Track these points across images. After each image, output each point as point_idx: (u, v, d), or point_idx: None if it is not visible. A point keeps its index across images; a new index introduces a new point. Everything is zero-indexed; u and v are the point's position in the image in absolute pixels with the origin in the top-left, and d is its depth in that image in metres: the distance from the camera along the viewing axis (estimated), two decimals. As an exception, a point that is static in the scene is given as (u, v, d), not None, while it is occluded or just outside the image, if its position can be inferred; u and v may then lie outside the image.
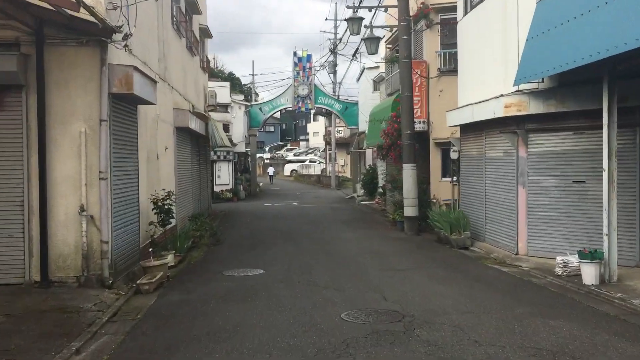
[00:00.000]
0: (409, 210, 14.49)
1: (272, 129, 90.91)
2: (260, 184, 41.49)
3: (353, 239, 13.96)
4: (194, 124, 15.60)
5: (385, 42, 19.89)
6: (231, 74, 53.47)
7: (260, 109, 33.10)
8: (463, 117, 12.56)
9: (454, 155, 14.93)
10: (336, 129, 42.28)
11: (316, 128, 71.18)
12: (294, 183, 48.65)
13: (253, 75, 54.09)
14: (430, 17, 15.06)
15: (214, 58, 61.02)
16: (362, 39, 16.63)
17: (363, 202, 25.84)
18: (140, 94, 8.71)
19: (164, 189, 10.90)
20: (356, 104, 32.99)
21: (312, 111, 36.73)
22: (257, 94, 53.98)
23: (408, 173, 14.48)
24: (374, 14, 16.77)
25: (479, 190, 12.44)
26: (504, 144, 11.03)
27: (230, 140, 29.82)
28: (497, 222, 11.58)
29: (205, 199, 20.26)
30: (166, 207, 10.28)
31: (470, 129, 12.78)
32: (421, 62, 15.28)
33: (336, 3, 48.07)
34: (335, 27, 41.00)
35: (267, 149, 70.15)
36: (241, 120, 31.83)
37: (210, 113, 22.21)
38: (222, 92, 30.09)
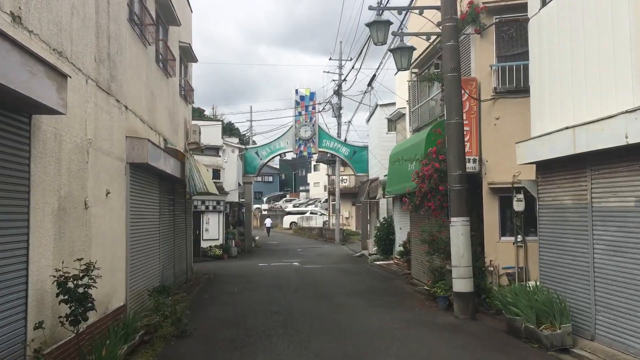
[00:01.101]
0: (461, 284, 10.18)
1: (270, 179, 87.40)
2: (257, 238, 37.19)
3: (383, 327, 9.55)
4: (163, 162, 11.50)
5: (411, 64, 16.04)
6: (230, 124, 49.90)
7: (256, 152, 29.14)
8: (549, 149, 8.46)
9: (518, 206, 10.78)
10: (340, 177, 38.38)
11: (317, 178, 67.59)
12: (293, 237, 44.24)
13: (251, 120, 50.74)
14: (481, 21, 11.20)
15: (213, 108, 58.07)
16: (388, 50, 12.72)
17: (377, 262, 21.50)
18: (18, 87, 4.63)
19: (84, 262, 6.63)
20: (366, 147, 29.08)
21: (315, 156, 32.72)
22: (254, 143, 50.27)
23: (458, 230, 10.26)
24: (405, 16, 12.98)
25: (580, 259, 8.19)
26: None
27: (221, 188, 25.69)
28: (621, 311, 7.27)
29: (183, 260, 15.93)
30: (80, 291, 5.98)
31: (559, 167, 8.66)
32: (470, 80, 11.32)
33: (341, 42, 44.82)
34: (340, 66, 37.87)
35: (264, 199, 66.00)
36: (234, 165, 27.82)
37: (192, 154, 18.20)
38: (213, 132, 26.27)
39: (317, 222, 46.71)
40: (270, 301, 12.41)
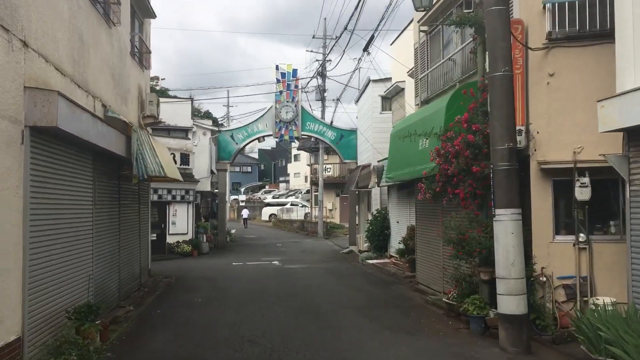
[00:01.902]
0: (510, 303, 7.22)
1: (249, 169, 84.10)
2: (233, 231, 33.99)
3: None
4: (95, 132, 8.32)
5: (419, 22, 13.02)
6: (208, 112, 46.08)
7: (231, 136, 25.86)
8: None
9: (582, 194, 7.87)
10: (324, 166, 35.38)
11: (297, 169, 64.58)
12: (273, 230, 41.11)
13: (228, 105, 47.35)
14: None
15: (190, 96, 54.19)
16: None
17: (370, 261, 18.55)
18: None
19: None
20: (354, 131, 26.04)
21: (297, 141, 29.56)
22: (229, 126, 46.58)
23: (507, 227, 7.28)
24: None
25: None
26: None
27: (190, 175, 22.48)
28: None
29: (135, 262, 12.74)
30: None
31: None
32: (513, 22, 8.31)
33: (325, 19, 41.87)
34: (325, 45, 34.76)
35: (242, 190, 62.68)
36: (206, 150, 24.52)
37: (152, 133, 15.03)
38: (181, 111, 23.00)
39: (298, 214, 43.63)
40: (242, 321, 9.30)
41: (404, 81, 17.76)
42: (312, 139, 27.27)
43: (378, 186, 18.67)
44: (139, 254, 13.18)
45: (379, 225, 19.15)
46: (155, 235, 21.71)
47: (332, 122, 26.63)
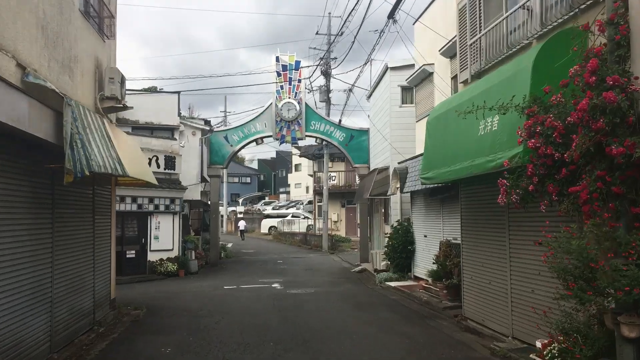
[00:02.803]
0: None
1: (248, 179, 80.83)
2: (230, 245, 30.72)
3: None
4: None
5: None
6: (207, 122, 43.12)
7: (225, 137, 22.58)
8: None
9: None
10: (328, 174, 32.09)
11: (298, 179, 61.48)
12: (273, 243, 37.68)
13: (225, 111, 44.34)
14: None
15: (189, 108, 51.48)
16: None
17: (391, 284, 15.22)
18: None
19: None
20: (366, 131, 22.78)
21: (300, 143, 26.28)
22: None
23: None
24: None
25: None
26: None
27: (176, 181, 19.19)
28: None
29: (86, 293, 9.37)
30: None
31: None
32: None
33: (330, 14, 38.53)
34: (329, 42, 31.61)
35: (240, 201, 59.32)
36: (196, 153, 21.21)
37: (115, 122, 11.87)
38: (165, 106, 19.79)
39: (300, 226, 40.27)
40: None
41: (432, 64, 14.52)
42: (317, 141, 23.91)
43: (401, 192, 15.35)
44: (93, 281, 9.80)
45: (400, 240, 15.83)
46: (133, 252, 18.42)
47: (340, 121, 23.31)
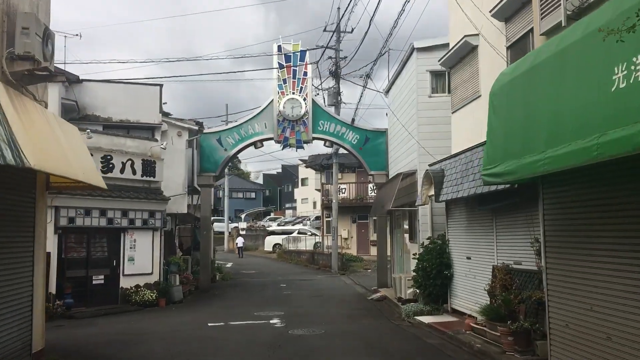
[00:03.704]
0: None
1: (252, 195, 77.58)
2: (229, 265, 27.37)
3: None
4: None
5: None
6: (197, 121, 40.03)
7: (219, 140, 19.26)
8: None
9: None
10: (337, 186, 28.70)
11: (305, 194, 58.28)
12: (277, 263, 34.19)
13: (227, 116, 41.07)
14: None
15: (191, 119, 48.55)
16: None
17: (423, 319, 11.75)
18: None
19: None
20: (383, 133, 19.41)
21: (306, 146, 22.87)
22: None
23: None
24: None
25: None
26: None
27: (156, 191, 15.90)
28: None
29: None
30: None
31: None
32: None
33: (338, 8, 35.57)
34: (338, 40, 28.42)
35: (243, 216, 55.98)
36: (182, 157, 17.86)
37: (42, 97, 8.77)
38: (145, 102, 16.59)
39: (306, 244, 36.72)
40: None
41: (476, 35, 11.19)
42: (325, 144, 20.56)
43: (436, 201, 11.90)
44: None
45: (434, 262, 12.39)
46: (102, 277, 15.03)
47: (353, 120, 19.96)
